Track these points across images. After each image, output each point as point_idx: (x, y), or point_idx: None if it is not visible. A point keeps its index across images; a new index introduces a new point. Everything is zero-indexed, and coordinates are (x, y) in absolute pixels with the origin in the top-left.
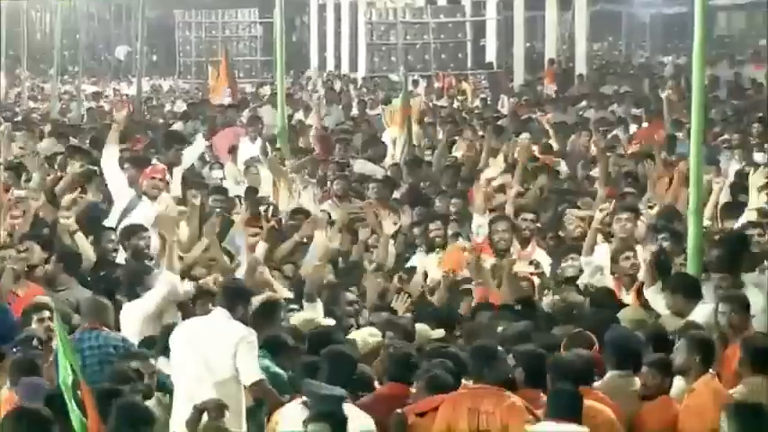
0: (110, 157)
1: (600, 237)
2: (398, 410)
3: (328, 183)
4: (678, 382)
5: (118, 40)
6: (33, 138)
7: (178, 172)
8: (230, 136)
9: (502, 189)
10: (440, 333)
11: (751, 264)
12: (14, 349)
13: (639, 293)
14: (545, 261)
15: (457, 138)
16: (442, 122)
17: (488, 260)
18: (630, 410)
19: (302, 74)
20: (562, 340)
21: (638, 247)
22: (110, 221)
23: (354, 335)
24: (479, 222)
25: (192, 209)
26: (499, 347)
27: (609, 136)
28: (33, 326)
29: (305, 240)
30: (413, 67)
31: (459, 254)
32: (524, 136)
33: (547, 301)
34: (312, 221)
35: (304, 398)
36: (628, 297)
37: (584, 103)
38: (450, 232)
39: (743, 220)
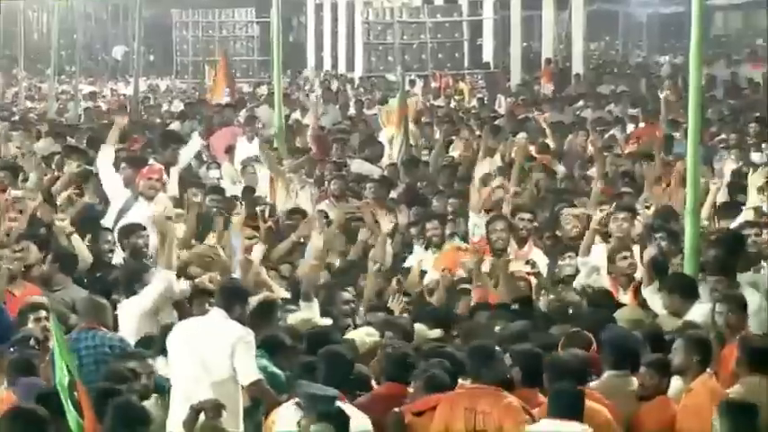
0: (105, 157)
1: (597, 237)
2: (396, 409)
3: (325, 182)
4: (675, 383)
5: (115, 40)
6: (30, 137)
7: (175, 171)
8: (227, 136)
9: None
10: (437, 333)
11: (747, 263)
12: (11, 349)
13: (636, 293)
14: (542, 261)
15: (454, 137)
16: (438, 122)
17: (487, 261)
18: (628, 410)
19: (299, 73)
20: (559, 340)
21: (636, 247)
22: (106, 222)
23: (351, 334)
24: (475, 221)
25: (192, 207)
26: (497, 347)
27: (606, 136)
28: (30, 325)
29: (302, 240)
30: (410, 66)
31: (456, 253)
32: (521, 135)
33: (544, 300)
34: (308, 222)
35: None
36: (625, 297)
37: (581, 102)
38: (447, 232)
39: (740, 219)
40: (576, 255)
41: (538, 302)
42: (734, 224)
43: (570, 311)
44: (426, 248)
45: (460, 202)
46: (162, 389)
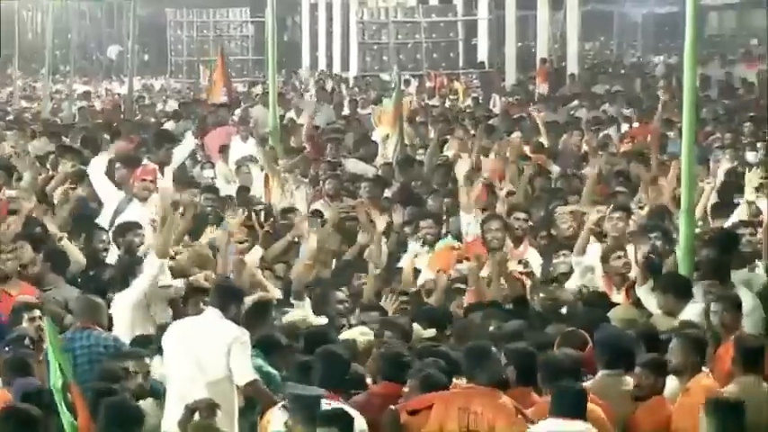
0: (97, 165)
1: (591, 237)
2: (391, 407)
3: (320, 182)
4: (671, 383)
5: (109, 40)
6: (25, 137)
7: (169, 171)
8: (222, 135)
9: (490, 187)
10: (431, 333)
11: (741, 262)
12: (6, 348)
13: (629, 292)
14: (536, 260)
15: (448, 137)
16: (433, 122)
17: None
18: (622, 410)
19: (295, 74)
20: (555, 339)
21: (629, 247)
22: (101, 223)
23: (346, 334)
24: (468, 220)
25: (188, 207)
26: (493, 348)
27: (600, 135)
28: (24, 325)
29: (296, 240)
30: (404, 66)
31: (450, 253)
32: (516, 135)
33: (536, 299)
34: (299, 221)
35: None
36: (619, 296)
37: (575, 102)
38: (443, 231)
39: (735, 216)
40: (571, 252)
41: (532, 302)
42: (728, 223)
43: (564, 311)
44: (423, 245)
45: (454, 202)
46: (157, 392)
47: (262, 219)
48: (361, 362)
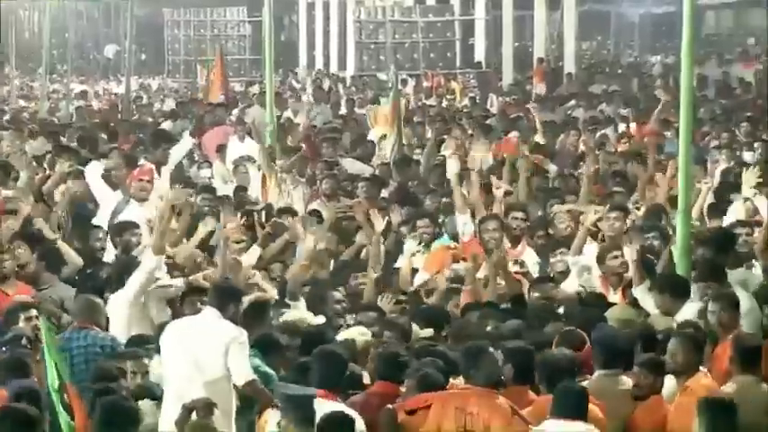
0: (93, 170)
1: (588, 237)
2: (389, 406)
3: (317, 182)
4: (669, 382)
5: (107, 39)
6: (21, 137)
7: (166, 171)
8: (219, 135)
9: (487, 187)
10: (428, 332)
11: (737, 261)
12: (3, 348)
13: (625, 292)
14: (534, 260)
15: (445, 137)
16: (430, 121)
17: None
18: (619, 410)
19: (294, 73)
20: (553, 338)
21: (627, 247)
22: (98, 223)
23: (345, 334)
24: (464, 221)
25: (185, 207)
26: (490, 348)
27: (597, 135)
28: (21, 324)
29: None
30: (401, 66)
31: (445, 253)
32: (513, 134)
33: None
34: (294, 223)
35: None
36: (615, 296)
37: (572, 102)
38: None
39: (730, 213)
40: (568, 251)
41: (529, 301)
42: (726, 221)
43: (562, 310)
44: (419, 243)
45: (451, 201)
46: (153, 393)
47: (263, 219)
48: (361, 362)
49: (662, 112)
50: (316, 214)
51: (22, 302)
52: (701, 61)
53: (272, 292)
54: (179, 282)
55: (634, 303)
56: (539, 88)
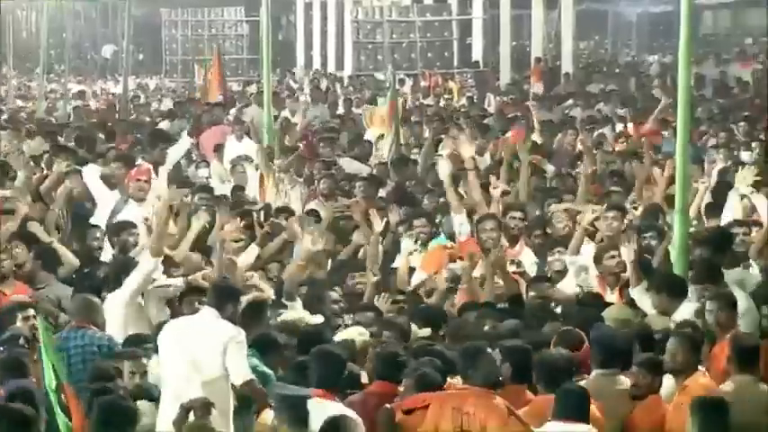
0: (91, 172)
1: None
2: (387, 405)
3: (315, 181)
4: (667, 382)
5: (104, 39)
6: (18, 136)
7: (164, 171)
8: (217, 134)
9: (485, 187)
10: (426, 332)
11: (734, 261)
12: (1, 348)
13: (622, 292)
14: (532, 259)
15: (443, 136)
16: (428, 121)
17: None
18: (617, 409)
19: (291, 73)
20: (551, 338)
21: (623, 247)
22: (96, 222)
23: (344, 334)
24: (460, 220)
25: (182, 208)
26: (488, 348)
27: (595, 134)
28: (18, 324)
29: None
30: (399, 65)
31: (442, 253)
32: (509, 134)
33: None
34: (294, 221)
35: None
36: (612, 296)
37: (570, 101)
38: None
39: (728, 212)
40: (566, 250)
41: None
42: (724, 219)
43: (560, 309)
44: (416, 242)
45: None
46: (150, 394)
47: (261, 218)
48: (359, 362)
49: (661, 112)
50: (314, 214)
51: (20, 302)
52: (698, 61)
53: (269, 292)
54: (178, 281)
55: (631, 303)
56: (536, 87)
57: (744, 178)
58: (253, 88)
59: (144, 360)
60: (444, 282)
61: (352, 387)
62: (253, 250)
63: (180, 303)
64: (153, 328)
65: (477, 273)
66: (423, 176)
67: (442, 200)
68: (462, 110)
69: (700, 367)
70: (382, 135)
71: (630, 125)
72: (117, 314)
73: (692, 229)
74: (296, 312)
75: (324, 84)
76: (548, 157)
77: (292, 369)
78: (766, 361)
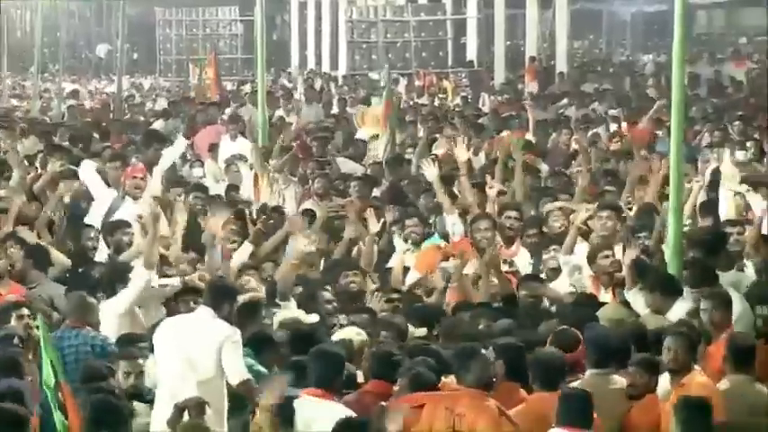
0: (88, 167)
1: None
2: (382, 404)
3: (309, 181)
4: (663, 381)
5: (98, 38)
6: (13, 136)
7: (158, 172)
8: (211, 134)
9: (481, 187)
10: (422, 331)
11: (729, 263)
12: None
13: (615, 291)
14: (527, 259)
15: (437, 136)
16: (422, 120)
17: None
18: (613, 409)
19: (287, 73)
20: (546, 337)
21: (618, 246)
22: (91, 220)
23: (341, 333)
24: (453, 220)
25: (176, 206)
26: (482, 349)
27: (589, 133)
28: (13, 323)
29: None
30: (393, 65)
31: (435, 252)
32: (505, 133)
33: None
34: (290, 221)
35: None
36: (606, 296)
37: (564, 101)
38: (431, 230)
39: (723, 210)
40: (561, 248)
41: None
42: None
43: (554, 309)
44: (406, 241)
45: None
46: (145, 398)
47: (254, 215)
48: (355, 361)
49: (656, 113)
50: (309, 213)
51: (15, 301)
52: (692, 60)
53: (261, 293)
54: (175, 281)
55: (625, 303)
56: (531, 87)
57: (732, 176)
58: (247, 88)
59: (140, 361)
60: (441, 281)
61: (347, 387)
62: (246, 248)
63: (176, 303)
64: (149, 328)
65: (469, 271)
66: (417, 176)
67: (437, 199)
68: (457, 109)
69: (696, 366)
70: (376, 135)
71: (624, 124)
72: (111, 323)
73: (685, 228)
74: (288, 313)
75: (318, 83)
76: (542, 156)
77: (288, 368)
78: (761, 361)
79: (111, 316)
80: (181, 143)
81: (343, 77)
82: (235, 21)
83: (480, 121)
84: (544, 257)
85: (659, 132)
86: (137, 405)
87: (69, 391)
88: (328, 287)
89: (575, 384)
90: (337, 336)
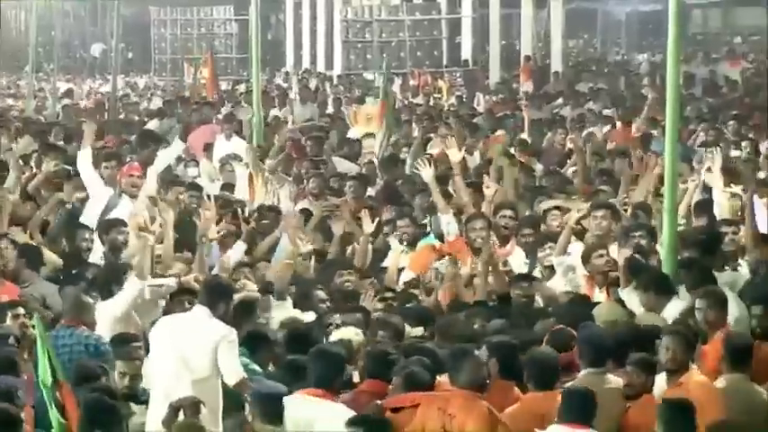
0: (84, 159)
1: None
2: (377, 402)
3: (304, 181)
4: (659, 380)
5: (93, 38)
6: (9, 135)
7: (153, 173)
8: (206, 133)
9: (476, 187)
10: (419, 331)
11: (724, 262)
12: None
13: (610, 290)
14: (522, 259)
15: (432, 135)
16: (417, 120)
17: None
18: (610, 409)
19: (285, 73)
20: (542, 336)
21: (612, 246)
22: (87, 220)
23: (339, 333)
24: (447, 220)
25: (172, 206)
26: (476, 351)
27: (584, 133)
28: (8, 323)
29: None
30: (388, 64)
31: (429, 252)
32: (499, 133)
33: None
34: (287, 219)
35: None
36: (601, 296)
37: (559, 100)
38: (427, 230)
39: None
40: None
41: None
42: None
43: (549, 309)
44: (401, 242)
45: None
46: (138, 400)
47: (246, 214)
48: (352, 361)
49: (650, 110)
50: (305, 213)
51: (10, 300)
52: (687, 59)
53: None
54: (170, 281)
55: (620, 301)
56: (526, 86)
57: (718, 179)
58: (242, 87)
59: (138, 363)
60: (435, 281)
61: (343, 386)
62: (240, 246)
63: (171, 302)
64: (146, 329)
65: (463, 272)
66: (412, 176)
67: (432, 199)
68: (451, 109)
69: (693, 366)
70: (371, 134)
71: (619, 124)
72: (106, 325)
73: (680, 228)
74: (285, 312)
75: (313, 83)
76: (537, 155)
77: (284, 368)
78: (756, 360)
79: (106, 320)
80: (177, 146)
81: (338, 77)
82: (230, 20)
83: (475, 120)
84: (539, 255)
85: (654, 132)
86: (132, 404)
87: (69, 389)
88: (320, 286)
89: (570, 384)
90: (335, 336)
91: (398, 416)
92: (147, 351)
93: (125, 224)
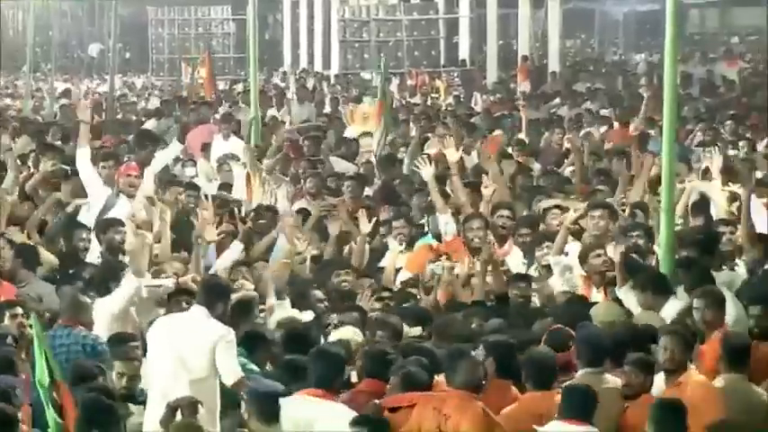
0: (83, 157)
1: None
2: (375, 401)
3: (301, 180)
4: (658, 380)
5: (91, 38)
6: (7, 135)
7: (149, 173)
8: (204, 133)
9: (474, 186)
10: (417, 331)
11: (720, 261)
12: None
13: (607, 290)
14: (520, 259)
15: (430, 135)
16: (414, 120)
17: (457, 265)
18: (606, 408)
19: (283, 72)
20: (540, 336)
21: (609, 246)
22: (84, 219)
23: (339, 333)
24: (445, 220)
25: (170, 206)
26: (473, 351)
27: (582, 132)
28: (6, 322)
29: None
30: (385, 64)
31: (426, 253)
32: (497, 133)
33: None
34: (284, 219)
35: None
36: (598, 296)
37: (557, 100)
38: (425, 230)
39: (713, 209)
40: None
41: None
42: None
43: (547, 308)
44: (399, 243)
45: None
46: (136, 400)
47: (242, 214)
48: (351, 362)
49: (647, 109)
50: (302, 213)
51: (7, 300)
52: (684, 59)
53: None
54: (168, 281)
55: (617, 301)
56: (523, 86)
57: (715, 180)
58: (239, 87)
59: (136, 363)
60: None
61: (341, 386)
62: (236, 246)
63: (168, 302)
64: (143, 329)
65: (460, 272)
66: (409, 175)
67: (429, 198)
68: (449, 108)
69: (691, 365)
70: (368, 133)
71: (616, 124)
72: (103, 322)
73: (677, 227)
74: (283, 312)
75: (311, 82)
76: (535, 155)
77: (282, 367)
78: (754, 360)
79: (103, 317)
80: (175, 147)
81: (336, 77)
82: (227, 20)
83: (473, 120)
84: (537, 254)
85: (651, 132)
86: (129, 405)
87: (67, 389)
88: (316, 285)
89: (568, 383)
90: (334, 336)
91: (395, 416)
92: (145, 351)
93: (122, 224)
